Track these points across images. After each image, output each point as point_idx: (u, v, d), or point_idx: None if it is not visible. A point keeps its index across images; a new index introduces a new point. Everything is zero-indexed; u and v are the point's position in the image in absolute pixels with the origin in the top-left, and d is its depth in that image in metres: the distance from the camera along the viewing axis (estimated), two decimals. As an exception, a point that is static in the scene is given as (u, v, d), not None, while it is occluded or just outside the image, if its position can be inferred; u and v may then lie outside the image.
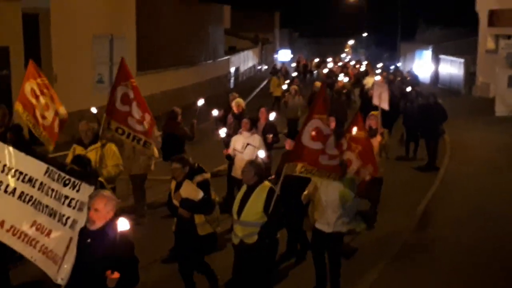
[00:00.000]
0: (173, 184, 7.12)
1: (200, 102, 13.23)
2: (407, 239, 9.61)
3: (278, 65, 41.99)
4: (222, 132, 10.70)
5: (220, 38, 34.48)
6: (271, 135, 10.51)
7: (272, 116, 11.44)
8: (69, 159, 8.06)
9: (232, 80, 36.05)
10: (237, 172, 9.46)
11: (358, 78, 27.92)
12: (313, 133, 6.65)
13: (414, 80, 25.69)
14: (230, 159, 10.06)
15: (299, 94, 17.59)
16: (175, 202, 6.93)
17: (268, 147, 10.42)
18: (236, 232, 6.63)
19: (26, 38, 14.99)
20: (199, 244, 6.96)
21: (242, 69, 40.69)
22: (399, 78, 25.64)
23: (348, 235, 8.21)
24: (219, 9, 34.85)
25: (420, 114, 14.82)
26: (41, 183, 5.75)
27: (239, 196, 6.72)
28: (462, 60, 32.16)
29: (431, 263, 8.65)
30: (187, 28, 27.27)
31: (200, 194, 6.80)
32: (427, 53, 40.06)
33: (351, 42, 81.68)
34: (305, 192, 7.37)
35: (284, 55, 56.02)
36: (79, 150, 8.32)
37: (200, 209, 6.86)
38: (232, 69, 36.45)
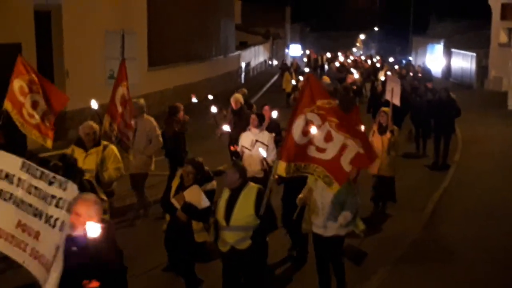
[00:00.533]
0: (175, 183, 6.83)
1: (210, 98, 13.33)
2: (417, 237, 9.53)
3: (289, 60, 41.94)
4: (226, 127, 10.55)
5: (231, 33, 34.47)
6: (273, 134, 9.98)
7: (275, 114, 11.14)
8: None
9: (243, 75, 36.04)
10: None
11: (369, 73, 27.74)
12: (305, 127, 6.27)
13: (426, 75, 25.44)
14: (238, 156, 9.67)
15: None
16: (174, 203, 6.63)
17: None
18: (225, 239, 6.22)
19: (38, 35, 15.09)
20: (194, 250, 6.70)
21: (253, 64, 40.67)
22: (411, 73, 25.43)
23: (357, 238, 8.06)
24: (229, 4, 34.84)
25: (430, 110, 14.34)
26: (19, 179, 5.27)
27: (222, 201, 6.27)
28: (474, 54, 31.97)
29: (441, 261, 8.59)
30: (198, 23, 27.29)
31: (206, 203, 6.56)
32: (439, 47, 39.84)
33: (362, 36, 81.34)
34: (300, 196, 7.00)
35: (295, 50, 55.96)
36: (78, 152, 7.95)
37: (201, 217, 6.61)
38: (243, 64, 36.45)
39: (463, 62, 34.33)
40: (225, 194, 6.29)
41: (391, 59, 40.23)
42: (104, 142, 8.14)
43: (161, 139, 10.06)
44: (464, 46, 34.80)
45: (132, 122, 9.09)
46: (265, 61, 45.96)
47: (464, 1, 45.28)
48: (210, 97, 13.92)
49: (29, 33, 14.70)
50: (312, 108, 6.29)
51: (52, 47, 16.08)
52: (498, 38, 29.42)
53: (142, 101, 10.09)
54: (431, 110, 14.24)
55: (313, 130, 6.23)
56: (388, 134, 10.08)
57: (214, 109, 11.49)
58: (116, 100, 8.98)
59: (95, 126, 8.15)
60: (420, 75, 24.68)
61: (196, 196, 6.55)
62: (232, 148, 10.10)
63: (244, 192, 6.17)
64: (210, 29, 29.31)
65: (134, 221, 9.80)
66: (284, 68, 31.95)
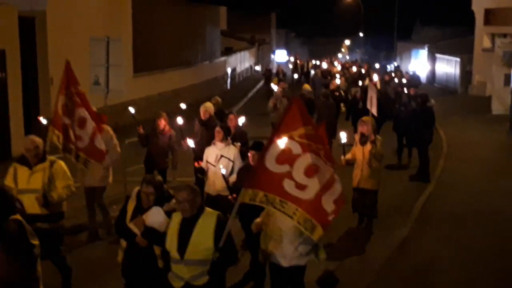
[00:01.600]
0: (131, 205, 6.01)
1: (182, 106, 12.81)
2: (405, 238, 9.58)
3: (274, 67, 42.01)
4: (191, 142, 9.15)
5: (216, 39, 34.50)
6: (238, 144, 9.18)
7: (242, 120, 10.53)
8: (7, 181, 6.96)
9: (229, 81, 36.05)
10: (209, 188, 8.59)
11: (354, 79, 27.78)
12: (280, 154, 5.51)
13: (413, 82, 25.26)
14: (202, 173, 8.84)
15: (286, 97, 16.03)
16: (133, 228, 5.84)
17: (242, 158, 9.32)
18: (179, 274, 5.45)
19: (23, 41, 14.98)
20: (158, 278, 5.90)
21: (238, 70, 40.70)
22: (396, 79, 25.16)
23: (334, 262, 7.92)
24: (215, 10, 34.88)
25: (411, 119, 13.76)
26: None
27: (173, 229, 5.49)
28: (458, 59, 32.25)
29: (428, 264, 8.65)
30: (183, 30, 27.28)
31: (165, 226, 5.79)
32: (423, 52, 40.15)
33: (347, 42, 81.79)
34: (257, 220, 6.27)
35: (280, 56, 56.13)
36: (22, 171, 6.96)
37: (160, 241, 5.77)
38: (229, 70, 36.46)
39: (448, 67, 34.62)
40: (176, 219, 5.51)
41: (377, 65, 40.28)
42: (51, 158, 7.16)
43: (118, 149, 9.43)
44: (448, 51, 35.11)
45: (90, 129, 8.24)
46: (250, 66, 46.02)
47: (448, 7, 45.78)
48: (183, 106, 13.12)
49: (13, 39, 14.58)
50: (293, 133, 5.52)
51: (36, 53, 15.97)
52: (482, 43, 29.71)
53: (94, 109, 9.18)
54: (410, 119, 13.73)
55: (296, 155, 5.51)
56: (368, 145, 9.47)
57: (180, 120, 10.30)
58: (59, 110, 8.30)
59: (38, 140, 7.10)
60: (405, 81, 24.35)
61: (157, 219, 5.81)
62: (196, 164, 9.07)
63: (202, 220, 5.39)
64: (195, 35, 29.31)
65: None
66: (268, 75, 31.57)
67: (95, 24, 17.87)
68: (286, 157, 5.49)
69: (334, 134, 14.15)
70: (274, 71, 34.69)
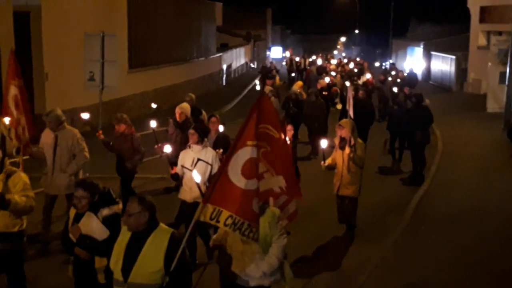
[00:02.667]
0: (72, 213, 5.50)
1: (153, 106, 12.54)
2: (398, 238, 9.58)
3: (270, 63, 41.85)
4: (167, 148, 8.25)
5: (212, 35, 34.41)
6: (220, 150, 8.50)
7: (221, 129, 9.76)
8: None
9: (224, 77, 36.00)
10: (186, 195, 7.92)
11: (350, 76, 27.69)
12: (245, 167, 4.81)
13: (411, 81, 24.77)
14: (177, 179, 8.09)
15: (275, 96, 15.34)
16: (72, 237, 5.32)
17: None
18: None
19: (17, 36, 14.91)
20: None
21: (234, 66, 40.63)
22: (389, 78, 24.89)
23: (306, 279, 7.64)
24: (210, 6, 34.79)
25: (407, 119, 13.43)
26: None
27: (120, 245, 4.76)
28: (453, 57, 32.29)
29: (422, 264, 8.64)
30: (179, 25, 27.20)
31: (105, 233, 5.21)
32: (419, 50, 40.18)
33: (343, 39, 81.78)
34: (214, 237, 5.66)
35: (276, 52, 56.07)
36: None
37: (102, 251, 5.17)
38: (224, 66, 36.40)
39: (443, 64, 34.65)
40: (124, 236, 4.77)
41: (377, 64, 40.08)
42: (9, 168, 6.12)
43: (87, 153, 8.55)
44: (444, 49, 35.14)
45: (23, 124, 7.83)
46: (246, 63, 45.95)
47: (444, 5, 45.82)
48: (154, 105, 12.46)
49: (8, 34, 14.50)
50: (257, 133, 4.84)
51: (31, 48, 15.90)
52: (477, 41, 29.73)
53: (58, 111, 8.52)
54: (407, 119, 13.42)
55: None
56: (347, 150, 8.94)
57: (153, 123, 9.57)
58: (9, 102, 7.89)
59: None
60: (399, 80, 23.61)
61: (92, 225, 5.24)
62: (171, 170, 8.24)
63: (152, 238, 4.65)
64: (191, 31, 29.24)
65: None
66: (264, 72, 30.76)
67: (90, 20, 17.80)
68: (252, 170, 4.79)
69: (325, 135, 13.93)
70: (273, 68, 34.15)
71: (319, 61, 36.51)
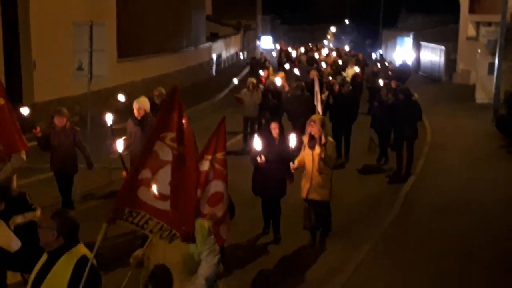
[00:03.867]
0: None
1: (121, 98, 11.76)
2: (387, 229, 9.62)
3: (260, 53, 41.64)
4: (120, 145, 6.64)
5: (201, 25, 34.22)
6: None
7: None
8: None
9: (214, 67, 35.87)
10: None
11: (338, 67, 27.12)
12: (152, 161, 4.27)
13: (402, 74, 23.68)
14: None
15: (257, 89, 15.25)
16: None
17: None
18: None
19: (4, 24, 14.76)
20: None
21: (224, 56, 40.49)
22: (374, 69, 23.13)
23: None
24: (200, -5, 34.59)
25: (390, 115, 12.86)
26: None
27: (38, 265, 4.14)
28: (442, 47, 32.37)
29: (410, 252, 8.70)
30: (168, 15, 27.02)
31: (16, 244, 4.57)
32: (408, 40, 40.22)
33: (333, 29, 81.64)
34: (135, 253, 4.88)
35: (266, 42, 55.96)
36: None
37: (13, 265, 4.57)
38: (214, 56, 36.26)
39: (432, 55, 34.73)
40: (45, 253, 4.16)
41: (373, 55, 39.31)
42: None
43: (23, 155, 7.62)
44: (433, 39, 35.19)
45: None
46: (236, 53, 45.79)
47: (433, -5, 45.85)
48: (122, 98, 11.38)
49: (-5, 23, 14.37)
50: (165, 134, 4.27)
51: (19, 37, 15.74)
52: (466, 31, 29.82)
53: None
54: (391, 114, 12.82)
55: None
56: (317, 149, 8.16)
57: (109, 118, 8.12)
58: None
59: None
60: (390, 72, 22.36)
61: (3, 235, 4.57)
62: (124, 174, 6.65)
63: (63, 260, 3.98)
64: (180, 20, 29.06)
65: None
66: (253, 63, 29.61)
67: (79, 8, 17.62)
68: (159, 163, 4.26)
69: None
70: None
71: (302, 50, 35.79)
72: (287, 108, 14.59)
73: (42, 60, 16.08)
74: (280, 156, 8.33)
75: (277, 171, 8.39)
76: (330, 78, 19.36)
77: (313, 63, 26.65)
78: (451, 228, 9.64)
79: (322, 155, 8.08)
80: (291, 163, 8.08)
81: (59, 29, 16.15)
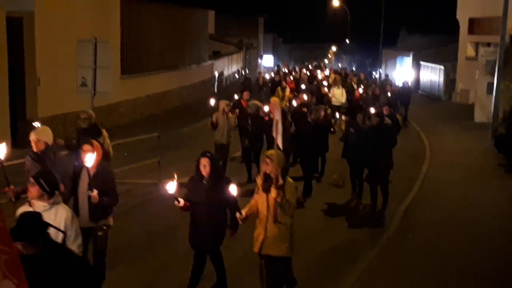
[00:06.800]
0: None
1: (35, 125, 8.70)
2: (385, 245, 9.69)
3: (263, 70, 41.70)
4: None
5: (204, 43, 34.57)
6: (94, 192, 6.71)
7: (90, 160, 6.57)
8: None
9: (216, 85, 36.14)
10: None
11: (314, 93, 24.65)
12: None
13: (403, 96, 22.76)
14: None
15: (233, 111, 13.32)
16: None
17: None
18: None
19: (10, 42, 15.00)
20: None
21: (226, 73, 40.81)
22: (389, 93, 21.08)
23: None
24: (203, 14, 34.97)
25: (363, 143, 11.38)
26: None
27: None
28: (442, 67, 32.65)
29: (409, 269, 8.76)
30: (171, 33, 27.34)
31: None
32: (408, 60, 40.55)
33: (334, 48, 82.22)
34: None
35: (267, 61, 56.44)
36: None
37: None
38: (216, 74, 36.56)
39: (432, 74, 35.02)
40: None
41: (375, 75, 38.12)
42: None
43: None
44: (433, 59, 35.52)
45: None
46: (238, 70, 46.14)
47: (433, 16, 46.27)
48: (36, 124, 8.90)
49: (1, 39, 14.59)
50: None
51: (24, 54, 15.99)
52: (466, 52, 30.11)
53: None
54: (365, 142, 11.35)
55: None
56: (273, 192, 6.35)
57: (1, 151, 6.41)
58: None
59: None
60: (390, 94, 20.90)
61: None
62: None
63: None
64: (183, 38, 29.38)
65: None
66: (247, 83, 26.46)
67: (83, 26, 17.91)
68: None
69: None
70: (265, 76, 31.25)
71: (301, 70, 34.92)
72: (267, 135, 12.30)
73: (46, 77, 16.31)
74: (212, 200, 6.73)
75: (209, 217, 6.79)
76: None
77: (313, 81, 26.75)
78: (448, 246, 9.69)
79: (280, 200, 6.35)
80: (237, 213, 6.50)
81: (63, 46, 16.41)
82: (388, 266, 8.78)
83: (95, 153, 6.86)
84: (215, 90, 35.19)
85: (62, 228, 5.23)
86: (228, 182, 6.63)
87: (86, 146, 6.99)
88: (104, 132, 9.71)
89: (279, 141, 7.00)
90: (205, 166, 6.82)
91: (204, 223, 6.82)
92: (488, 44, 25.42)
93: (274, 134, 7.08)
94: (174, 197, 6.49)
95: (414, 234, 10.34)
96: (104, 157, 7.42)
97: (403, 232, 10.39)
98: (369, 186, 11.32)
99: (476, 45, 28.41)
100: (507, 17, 18.91)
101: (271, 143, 11.52)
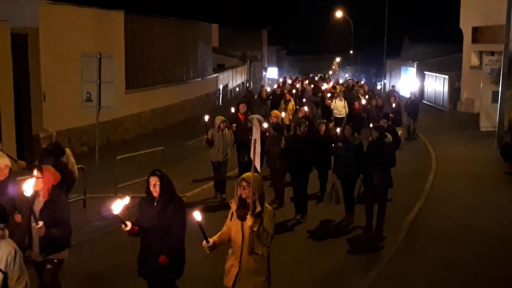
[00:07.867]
0: None
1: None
2: (393, 256, 9.65)
3: (266, 82, 41.77)
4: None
5: (208, 56, 34.73)
6: (40, 224, 6.04)
7: (29, 189, 5.61)
8: None
9: (220, 98, 36.24)
10: None
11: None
12: None
13: (412, 109, 21.93)
14: None
15: (229, 127, 12.79)
16: None
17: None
18: None
19: (15, 58, 15.10)
20: None
21: (230, 86, 40.92)
22: (394, 104, 20.09)
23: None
24: (207, 27, 35.15)
25: (355, 158, 10.83)
26: None
27: None
28: (446, 77, 32.62)
29: (417, 279, 8.73)
30: (175, 46, 27.47)
31: None
32: (412, 70, 40.53)
33: (338, 59, 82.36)
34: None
35: (272, 73, 56.63)
36: None
37: None
38: (221, 87, 36.66)
39: (436, 84, 34.97)
40: None
41: (378, 86, 37.00)
42: None
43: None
44: (437, 68, 35.48)
45: None
46: (242, 83, 46.26)
47: (437, 25, 46.33)
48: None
49: (6, 55, 14.69)
50: None
51: (29, 69, 16.09)
52: (470, 61, 30.06)
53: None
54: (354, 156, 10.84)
55: None
56: (249, 220, 5.57)
57: None
58: None
59: None
60: (394, 105, 20.00)
61: None
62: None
63: None
64: (187, 52, 29.52)
65: None
66: (249, 96, 26.10)
67: (88, 41, 18.03)
68: None
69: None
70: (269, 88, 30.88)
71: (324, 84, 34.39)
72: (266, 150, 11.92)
73: (51, 92, 16.39)
74: (164, 224, 6.08)
75: (162, 245, 6.08)
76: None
77: (318, 92, 26.71)
78: (455, 255, 9.65)
79: (256, 229, 5.60)
80: (204, 241, 5.56)
81: (68, 61, 16.52)
82: (397, 276, 8.73)
83: (44, 179, 6.22)
84: (220, 103, 35.27)
85: (2, 266, 4.54)
86: (181, 203, 6.12)
87: (35, 171, 6.33)
88: (68, 151, 9.24)
89: (257, 163, 5.79)
90: (154, 186, 6.10)
91: (156, 251, 6.03)
92: (492, 53, 25.38)
93: (251, 155, 5.84)
94: (119, 219, 5.65)
95: (422, 244, 10.28)
96: (70, 178, 7.06)
97: (411, 242, 10.34)
98: (364, 205, 10.60)
99: (480, 54, 28.39)
100: (510, 25, 18.91)
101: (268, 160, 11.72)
